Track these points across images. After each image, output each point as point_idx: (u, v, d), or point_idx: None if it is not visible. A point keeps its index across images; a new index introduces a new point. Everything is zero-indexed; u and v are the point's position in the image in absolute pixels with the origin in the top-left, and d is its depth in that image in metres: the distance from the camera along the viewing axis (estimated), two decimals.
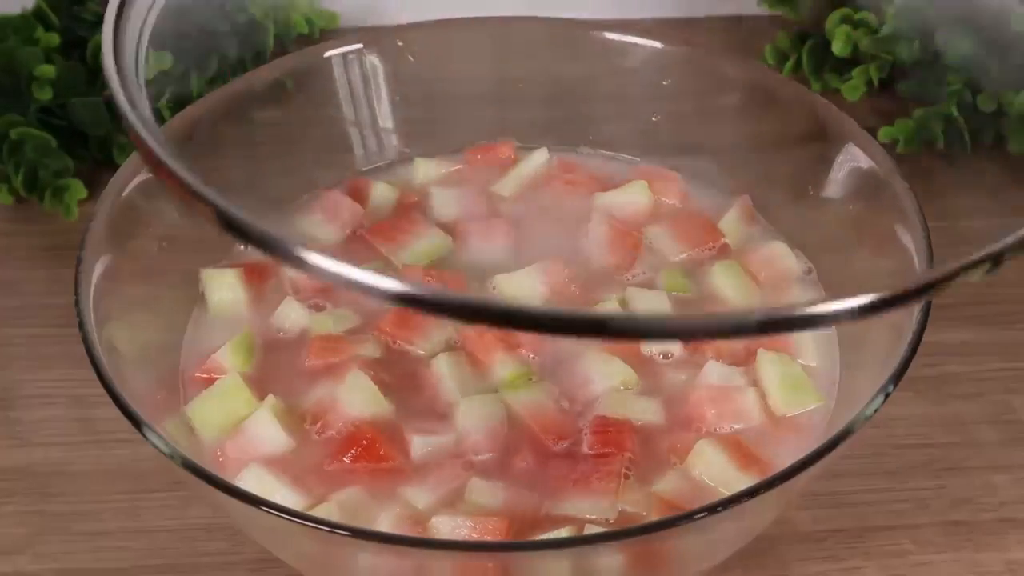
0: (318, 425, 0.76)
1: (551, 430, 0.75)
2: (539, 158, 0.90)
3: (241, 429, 0.75)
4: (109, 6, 0.69)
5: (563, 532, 0.70)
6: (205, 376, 0.79)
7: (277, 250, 0.59)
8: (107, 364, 0.71)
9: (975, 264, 0.59)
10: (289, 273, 0.83)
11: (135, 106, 0.64)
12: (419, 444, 0.75)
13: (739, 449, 0.74)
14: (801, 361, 0.79)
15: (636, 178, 0.88)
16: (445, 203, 0.88)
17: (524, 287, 0.82)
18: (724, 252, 0.85)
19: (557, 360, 0.79)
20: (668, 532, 0.66)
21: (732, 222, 0.86)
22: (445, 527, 0.71)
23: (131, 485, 0.85)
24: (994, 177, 1.02)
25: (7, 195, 1.00)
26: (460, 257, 0.85)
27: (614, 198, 0.87)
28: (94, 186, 0.99)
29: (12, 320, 0.94)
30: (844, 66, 1.07)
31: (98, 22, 1.05)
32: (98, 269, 0.75)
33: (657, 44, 0.90)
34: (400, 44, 0.91)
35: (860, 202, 0.82)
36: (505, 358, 0.78)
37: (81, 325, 0.73)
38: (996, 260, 0.60)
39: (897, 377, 0.70)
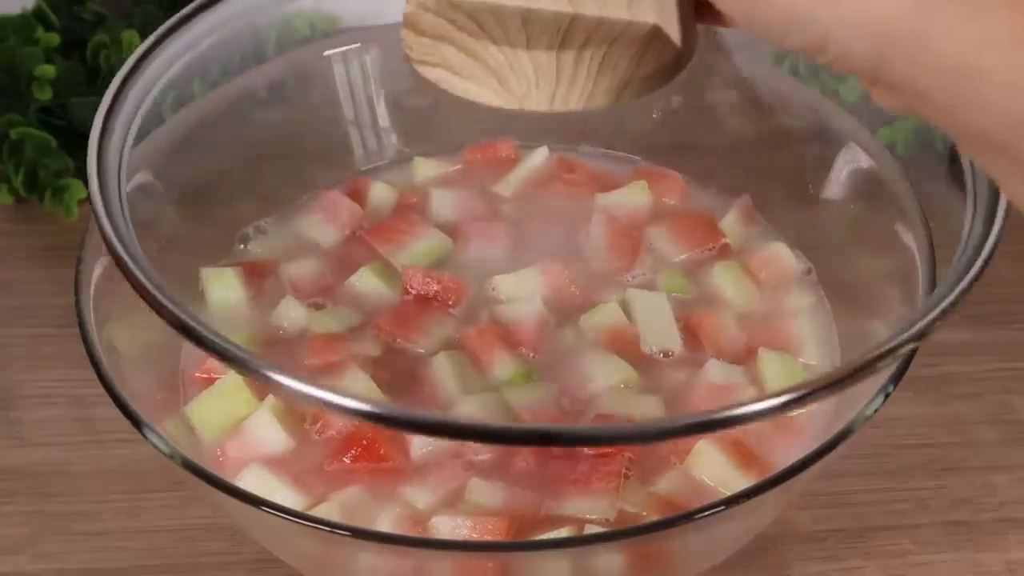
0: (318, 425, 0.76)
1: None
2: (539, 157, 0.90)
3: (241, 429, 0.75)
4: (94, 124, 0.72)
5: (563, 532, 0.70)
6: (205, 376, 0.79)
7: (241, 366, 0.62)
8: (107, 364, 0.71)
9: (887, 354, 0.62)
10: (288, 272, 0.83)
11: (124, 243, 0.67)
12: (419, 444, 0.75)
13: (739, 449, 0.74)
14: (802, 360, 0.79)
15: (636, 178, 0.88)
16: (444, 203, 0.88)
17: (524, 288, 0.82)
18: (724, 252, 0.85)
19: (557, 359, 0.79)
20: (668, 532, 0.66)
21: (732, 222, 0.86)
22: (445, 527, 0.71)
23: (131, 485, 0.85)
24: None
25: (7, 195, 1.00)
26: (460, 257, 0.85)
27: (614, 198, 0.87)
28: None
29: (12, 320, 0.94)
30: None
31: (98, 22, 1.05)
32: (98, 269, 0.75)
33: None
34: (400, 43, 0.91)
35: (860, 202, 0.82)
36: (505, 357, 0.78)
37: (81, 325, 0.73)
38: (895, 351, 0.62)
39: (897, 377, 0.70)
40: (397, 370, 0.78)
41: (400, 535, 0.69)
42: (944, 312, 0.64)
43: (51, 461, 0.86)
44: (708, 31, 0.66)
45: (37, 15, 1.04)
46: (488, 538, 0.70)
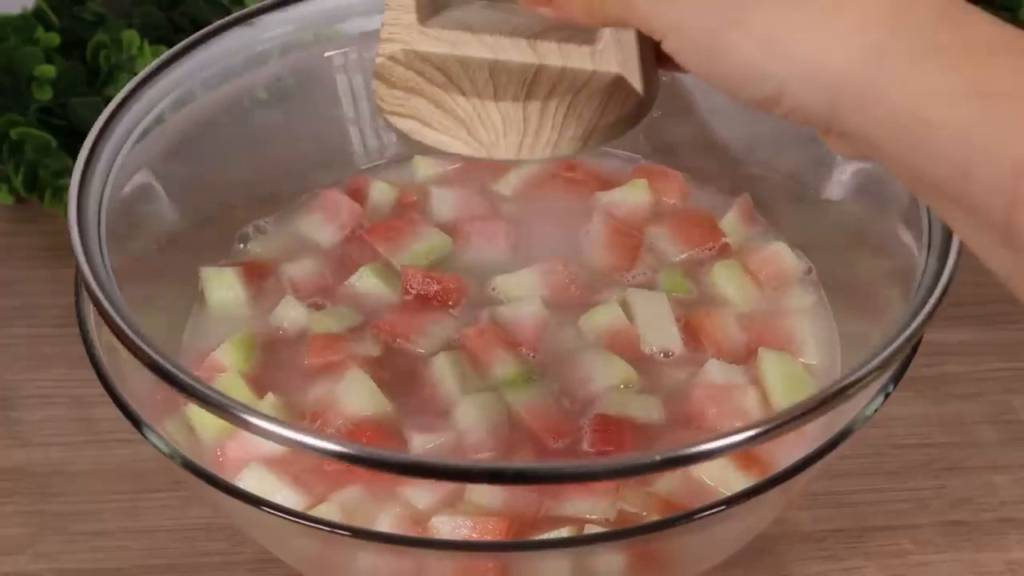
0: (318, 424, 0.76)
1: (551, 429, 0.75)
2: None
3: None
4: (74, 172, 0.74)
5: (563, 532, 0.70)
6: (205, 375, 0.79)
7: (220, 409, 0.64)
8: (107, 364, 0.71)
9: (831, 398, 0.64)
10: (288, 272, 0.83)
11: (103, 288, 0.69)
12: (419, 443, 0.75)
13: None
14: (802, 360, 0.79)
15: (637, 176, 0.88)
16: (444, 202, 0.88)
17: (524, 287, 0.82)
18: (724, 252, 0.85)
19: (557, 358, 0.79)
20: (668, 532, 0.66)
21: (733, 221, 0.86)
22: (445, 527, 0.71)
23: (131, 485, 0.85)
24: None
25: (7, 195, 1.00)
26: (460, 257, 0.85)
27: (615, 197, 0.87)
28: None
29: (12, 320, 0.94)
30: None
31: (98, 22, 1.05)
32: None
33: None
34: None
35: (861, 202, 0.82)
36: (505, 356, 0.78)
37: (81, 325, 0.73)
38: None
39: (897, 377, 0.70)
40: (397, 370, 0.78)
41: (400, 535, 0.69)
42: (886, 360, 0.66)
43: (51, 461, 0.86)
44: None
45: (37, 15, 1.04)
46: (488, 538, 0.70)
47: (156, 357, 0.66)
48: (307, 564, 0.75)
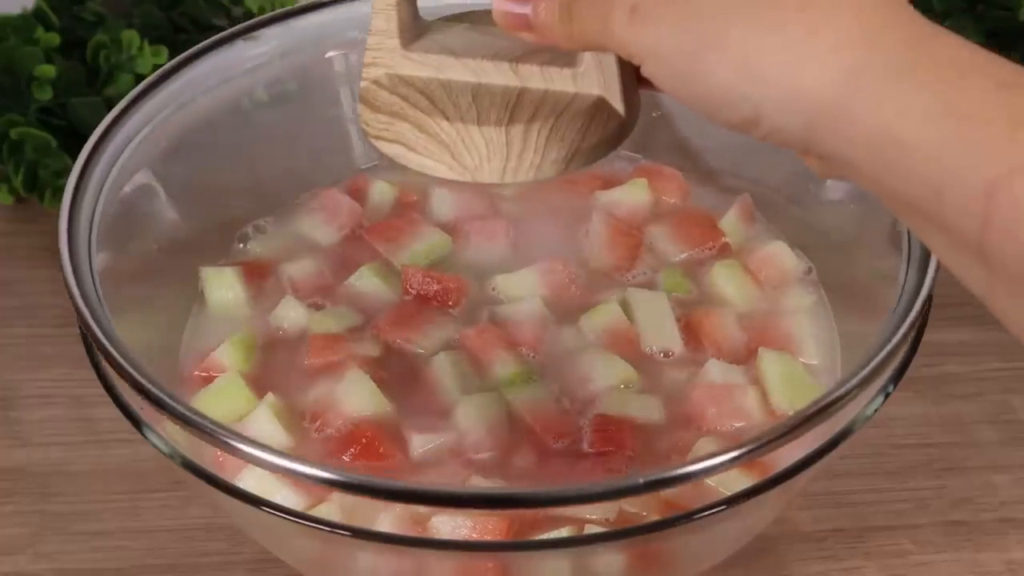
0: (317, 423, 0.76)
1: (551, 428, 0.75)
2: None
3: (240, 427, 0.75)
4: (64, 198, 0.75)
5: (563, 532, 0.70)
6: (204, 374, 0.79)
7: (204, 432, 0.66)
8: (107, 364, 0.71)
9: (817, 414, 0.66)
10: (288, 272, 0.83)
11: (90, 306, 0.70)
12: (419, 442, 0.75)
13: None
14: (802, 359, 0.79)
15: (637, 176, 0.88)
16: (444, 202, 0.88)
17: (524, 287, 0.82)
18: (725, 251, 0.85)
19: (557, 358, 0.79)
20: (668, 532, 0.66)
21: (733, 221, 0.86)
22: (445, 527, 0.71)
23: (131, 485, 0.85)
24: None
25: (7, 195, 1.00)
26: (460, 257, 0.85)
27: (614, 196, 0.87)
28: None
29: (12, 320, 0.94)
30: None
31: (98, 22, 1.05)
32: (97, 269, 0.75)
33: None
34: None
35: (860, 202, 0.82)
36: (505, 356, 0.78)
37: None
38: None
39: (897, 377, 0.70)
40: (397, 370, 0.78)
41: (400, 535, 0.69)
42: (867, 378, 0.67)
43: (51, 461, 0.86)
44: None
45: (37, 15, 1.04)
46: (488, 538, 0.70)
47: (133, 372, 0.67)
48: (307, 564, 0.75)
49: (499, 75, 0.65)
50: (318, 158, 0.90)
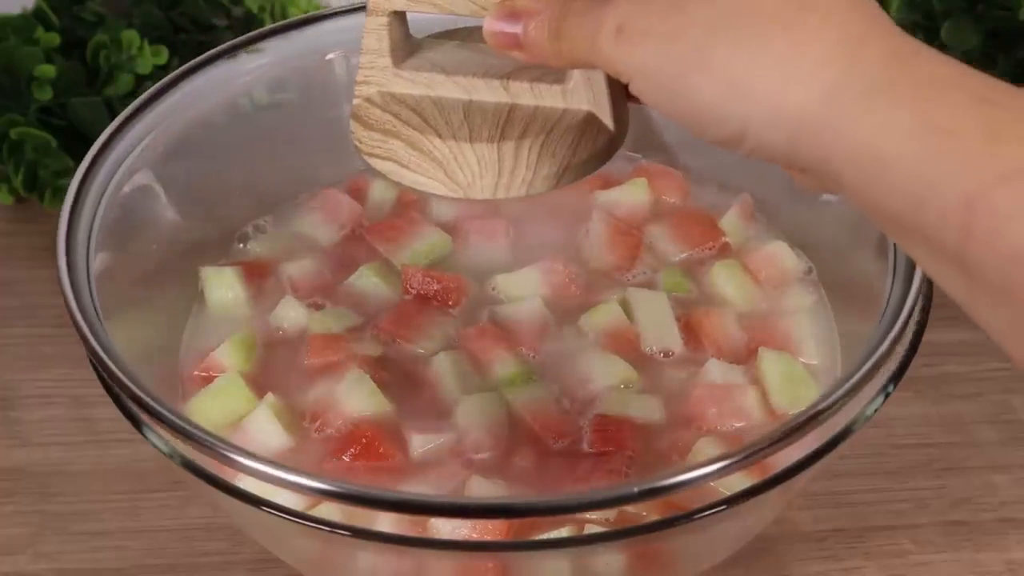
0: (317, 423, 0.76)
1: (551, 428, 0.75)
2: None
3: (240, 427, 0.75)
4: (63, 207, 0.75)
5: (563, 532, 0.70)
6: (204, 374, 0.79)
7: (200, 443, 0.66)
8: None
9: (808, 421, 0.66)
10: (288, 271, 0.83)
11: (95, 334, 0.70)
12: (419, 442, 0.75)
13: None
14: (802, 359, 0.79)
15: (637, 175, 0.88)
16: (444, 202, 0.88)
17: (524, 287, 0.82)
18: (725, 251, 0.85)
19: (557, 358, 0.79)
20: (668, 532, 0.66)
21: (733, 221, 0.86)
22: (445, 527, 0.71)
23: (131, 485, 0.85)
24: None
25: (7, 195, 1.00)
26: (460, 257, 0.85)
27: (614, 195, 0.87)
28: None
29: (12, 320, 0.94)
30: None
31: (98, 22, 1.05)
32: (97, 269, 0.75)
33: None
34: None
35: None
36: (505, 356, 0.78)
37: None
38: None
39: (897, 377, 0.70)
40: (397, 370, 0.78)
41: (400, 535, 0.69)
42: (867, 377, 0.67)
43: (51, 461, 0.86)
44: None
45: (37, 15, 1.04)
46: (488, 538, 0.70)
47: (127, 383, 0.68)
48: (307, 564, 0.75)
49: (490, 92, 0.65)
50: (318, 158, 0.90)
